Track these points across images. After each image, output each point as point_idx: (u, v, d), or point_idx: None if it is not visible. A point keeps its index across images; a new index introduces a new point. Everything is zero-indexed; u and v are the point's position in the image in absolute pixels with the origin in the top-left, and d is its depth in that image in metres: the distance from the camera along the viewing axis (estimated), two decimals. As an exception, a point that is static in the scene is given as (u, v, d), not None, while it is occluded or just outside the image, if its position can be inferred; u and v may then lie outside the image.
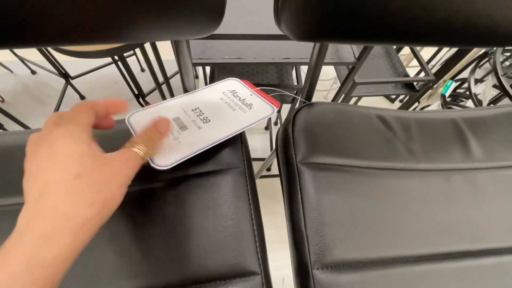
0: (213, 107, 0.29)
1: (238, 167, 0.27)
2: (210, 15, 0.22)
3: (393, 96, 1.08)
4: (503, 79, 0.56)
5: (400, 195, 0.28)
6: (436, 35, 0.25)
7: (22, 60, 0.99)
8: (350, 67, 0.56)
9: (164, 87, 0.79)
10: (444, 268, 0.24)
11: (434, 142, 0.33)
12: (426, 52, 1.00)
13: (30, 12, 0.18)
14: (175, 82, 1.00)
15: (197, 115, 0.28)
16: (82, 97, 1.00)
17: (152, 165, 0.22)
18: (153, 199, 0.25)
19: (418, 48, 0.79)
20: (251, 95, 0.30)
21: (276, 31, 0.33)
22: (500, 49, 0.63)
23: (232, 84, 0.32)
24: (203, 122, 0.27)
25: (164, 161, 0.23)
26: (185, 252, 0.23)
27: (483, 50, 0.74)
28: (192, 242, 0.23)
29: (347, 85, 0.63)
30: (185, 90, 0.35)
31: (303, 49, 0.53)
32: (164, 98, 0.85)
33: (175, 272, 0.22)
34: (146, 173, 0.21)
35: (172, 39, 0.28)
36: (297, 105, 0.44)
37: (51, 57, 0.84)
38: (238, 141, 0.29)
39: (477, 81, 0.81)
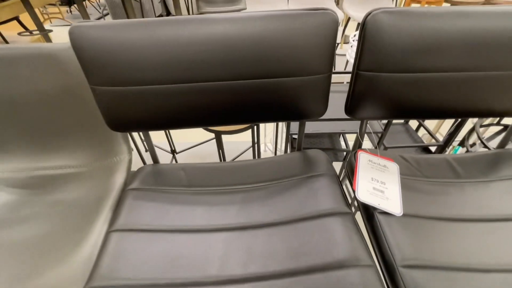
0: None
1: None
2: (319, 109, 0.56)
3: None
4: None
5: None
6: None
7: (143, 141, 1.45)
8: (380, 135, 0.87)
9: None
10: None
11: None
12: (431, 123, 1.32)
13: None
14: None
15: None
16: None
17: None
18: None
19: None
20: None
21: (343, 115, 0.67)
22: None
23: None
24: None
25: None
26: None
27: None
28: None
29: (380, 148, 0.93)
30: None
31: (351, 123, 0.87)
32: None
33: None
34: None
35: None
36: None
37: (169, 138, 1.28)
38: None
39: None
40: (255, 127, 0.90)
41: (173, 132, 1.40)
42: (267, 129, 1.52)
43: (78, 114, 0.62)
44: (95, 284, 0.40)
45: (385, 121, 0.90)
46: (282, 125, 1.12)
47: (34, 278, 0.46)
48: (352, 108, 0.55)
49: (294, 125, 0.85)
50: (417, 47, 0.47)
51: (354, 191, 0.49)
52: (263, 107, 0.52)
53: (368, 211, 0.49)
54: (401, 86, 0.51)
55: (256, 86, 0.49)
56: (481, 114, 0.57)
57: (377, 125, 0.83)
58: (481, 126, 0.96)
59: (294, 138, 0.85)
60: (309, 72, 0.48)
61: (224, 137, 0.92)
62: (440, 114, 0.56)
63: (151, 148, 0.60)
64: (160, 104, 0.49)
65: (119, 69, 0.44)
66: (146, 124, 0.52)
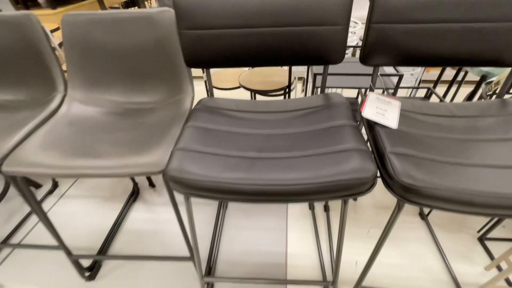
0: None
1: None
2: (338, 56, 0.73)
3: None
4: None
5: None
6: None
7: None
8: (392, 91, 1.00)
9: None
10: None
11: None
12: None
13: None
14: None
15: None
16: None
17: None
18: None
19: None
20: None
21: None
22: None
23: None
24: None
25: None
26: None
27: None
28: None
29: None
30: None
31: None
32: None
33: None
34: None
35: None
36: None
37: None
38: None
39: None
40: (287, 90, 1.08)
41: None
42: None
43: (160, 62, 0.86)
44: (171, 173, 0.59)
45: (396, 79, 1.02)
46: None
47: (131, 159, 0.69)
48: (365, 56, 0.72)
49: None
50: (418, 2, 0.62)
51: (360, 112, 0.65)
52: (295, 51, 0.71)
53: (370, 126, 0.64)
54: (406, 35, 0.66)
55: (291, 33, 0.68)
56: (478, 62, 0.70)
57: (390, 83, 0.96)
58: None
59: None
60: (331, 23, 0.66)
61: (258, 97, 1.11)
62: (438, 61, 0.69)
63: (210, 84, 0.82)
64: (228, 45, 0.70)
65: (203, 16, 0.66)
66: (215, 62, 0.73)
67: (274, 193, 0.50)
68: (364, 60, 0.72)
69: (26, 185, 0.72)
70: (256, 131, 0.67)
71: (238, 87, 1.22)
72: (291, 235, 1.13)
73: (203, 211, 1.24)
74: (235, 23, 0.67)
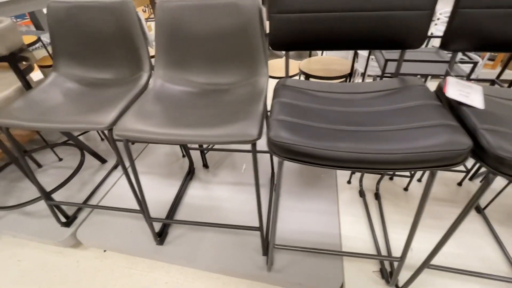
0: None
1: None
2: (419, 40, 0.76)
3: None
4: None
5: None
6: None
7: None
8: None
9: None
10: None
11: None
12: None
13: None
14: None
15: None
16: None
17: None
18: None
19: None
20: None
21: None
22: None
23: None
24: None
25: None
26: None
27: None
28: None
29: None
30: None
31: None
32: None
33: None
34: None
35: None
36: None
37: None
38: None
39: None
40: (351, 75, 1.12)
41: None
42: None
43: (241, 46, 0.93)
44: (274, 139, 0.66)
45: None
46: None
47: (222, 130, 0.76)
48: (447, 41, 0.74)
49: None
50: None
51: (444, 94, 0.68)
52: (377, 35, 0.75)
53: (452, 106, 0.67)
54: (492, 20, 0.68)
55: (378, 17, 0.72)
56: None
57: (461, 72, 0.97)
58: None
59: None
60: (419, 7, 0.69)
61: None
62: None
63: (287, 66, 0.89)
64: (315, 28, 0.76)
65: (296, 1, 0.73)
66: (298, 44, 0.79)
67: (376, 162, 0.55)
68: (445, 45, 0.74)
69: (129, 147, 0.82)
70: (340, 108, 0.72)
71: (295, 75, 1.28)
72: (343, 219, 1.17)
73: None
74: (325, 7, 0.72)
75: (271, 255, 0.91)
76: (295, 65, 1.36)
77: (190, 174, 1.42)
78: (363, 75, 1.26)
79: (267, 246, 1.02)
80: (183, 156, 1.57)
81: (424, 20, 0.71)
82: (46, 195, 1.10)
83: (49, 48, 1.59)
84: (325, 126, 0.65)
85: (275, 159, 0.97)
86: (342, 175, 1.37)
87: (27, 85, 1.00)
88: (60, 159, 1.58)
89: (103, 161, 1.54)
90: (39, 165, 1.54)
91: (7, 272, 1.15)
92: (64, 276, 1.14)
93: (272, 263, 0.96)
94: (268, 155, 1.51)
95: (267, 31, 0.81)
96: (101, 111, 0.84)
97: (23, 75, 0.97)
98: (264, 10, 0.87)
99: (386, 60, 0.96)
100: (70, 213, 1.25)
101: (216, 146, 1.56)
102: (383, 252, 1.03)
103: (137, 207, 1.04)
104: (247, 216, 1.20)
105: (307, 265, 0.99)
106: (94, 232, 1.19)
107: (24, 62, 1.03)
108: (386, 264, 0.99)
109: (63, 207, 1.25)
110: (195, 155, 1.55)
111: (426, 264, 0.80)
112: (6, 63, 0.96)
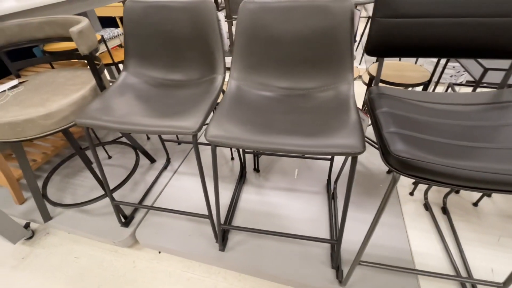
0: None
1: None
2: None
3: None
4: None
5: None
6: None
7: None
8: None
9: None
10: None
11: None
12: None
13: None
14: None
15: None
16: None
17: None
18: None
19: None
20: None
21: None
22: None
23: None
24: None
25: None
26: None
27: None
28: None
29: None
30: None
31: None
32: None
33: None
34: None
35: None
36: None
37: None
38: None
39: None
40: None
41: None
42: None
43: (325, 50, 0.89)
44: (400, 154, 0.63)
45: None
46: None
47: (316, 138, 0.72)
48: None
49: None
50: None
51: None
52: (491, 43, 0.69)
53: None
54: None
55: (489, 23, 0.66)
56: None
57: None
58: None
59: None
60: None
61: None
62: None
63: (379, 73, 0.83)
64: (423, 34, 0.71)
65: (407, 5, 0.68)
66: (399, 51, 0.74)
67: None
68: None
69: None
70: (453, 121, 0.67)
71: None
72: (412, 233, 1.11)
73: (312, 199, 1.27)
74: (436, 12, 0.67)
75: (351, 271, 0.87)
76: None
77: (243, 177, 1.40)
78: (436, 83, 1.19)
79: (336, 259, 0.97)
80: (232, 158, 1.54)
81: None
82: (112, 196, 1.10)
83: (112, 45, 1.60)
84: (446, 141, 0.60)
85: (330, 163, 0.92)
86: (403, 186, 1.31)
87: (101, 84, 0.99)
88: (110, 157, 1.59)
89: (152, 160, 1.54)
90: (90, 163, 1.55)
91: (67, 269, 1.16)
92: (122, 276, 1.13)
93: (348, 278, 0.92)
94: (321, 161, 1.46)
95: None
96: (185, 114, 0.81)
97: (98, 74, 0.96)
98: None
99: (486, 69, 0.90)
100: (127, 213, 1.24)
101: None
102: (462, 272, 0.97)
103: (196, 211, 1.02)
104: (307, 225, 1.16)
105: (380, 282, 0.94)
106: (152, 233, 1.18)
107: (96, 62, 1.02)
108: (468, 286, 0.93)
109: (121, 206, 1.25)
110: (247, 158, 1.52)
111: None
112: (79, 61, 0.95)
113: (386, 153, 0.59)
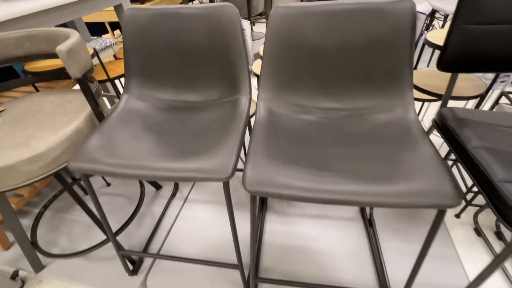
0: None
1: None
2: None
3: None
4: None
5: None
6: None
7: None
8: None
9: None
10: None
11: None
12: None
13: None
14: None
15: None
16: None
17: None
18: None
19: None
20: None
21: None
22: None
23: None
24: None
25: None
26: None
27: None
28: None
29: None
30: None
31: None
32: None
33: None
34: None
35: None
36: None
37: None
38: None
39: None
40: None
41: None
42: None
43: (377, 62, 0.73)
44: None
45: None
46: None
47: (392, 184, 0.56)
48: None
49: None
50: None
51: None
52: None
53: None
54: None
55: None
56: None
57: None
58: None
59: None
60: None
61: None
62: None
63: (449, 93, 0.68)
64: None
65: (502, 8, 0.52)
66: (483, 65, 0.59)
67: None
68: None
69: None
70: None
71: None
72: (468, 266, 0.96)
73: (347, 228, 1.11)
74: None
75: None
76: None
77: (264, 204, 1.23)
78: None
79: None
80: (248, 180, 1.37)
81: None
82: (117, 243, 0.91)
83: (105, 56, 1.39)
84: None
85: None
86: (446, 207, 1.17)
87: (98, 111, 0.80)
88: (108, 184, 1.39)
89: (158, 187, 1.35)
90: (86, 192, 1.36)
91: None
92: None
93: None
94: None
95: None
96: (210, 152, 0.64)
97: (94, 100, 0.78)
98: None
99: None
100: (135, 257, 1.06)
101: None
102: (540, 316, 0.83)
103: (217, 252, 0.85)
104: (347, 262, 1.00)
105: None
106: (167, 281, 1.00)
107: (90, 83, 0.84)
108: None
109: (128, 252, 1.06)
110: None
111: None
112: (71, 81, 0.76)
113: (505, 209, 0.43)
